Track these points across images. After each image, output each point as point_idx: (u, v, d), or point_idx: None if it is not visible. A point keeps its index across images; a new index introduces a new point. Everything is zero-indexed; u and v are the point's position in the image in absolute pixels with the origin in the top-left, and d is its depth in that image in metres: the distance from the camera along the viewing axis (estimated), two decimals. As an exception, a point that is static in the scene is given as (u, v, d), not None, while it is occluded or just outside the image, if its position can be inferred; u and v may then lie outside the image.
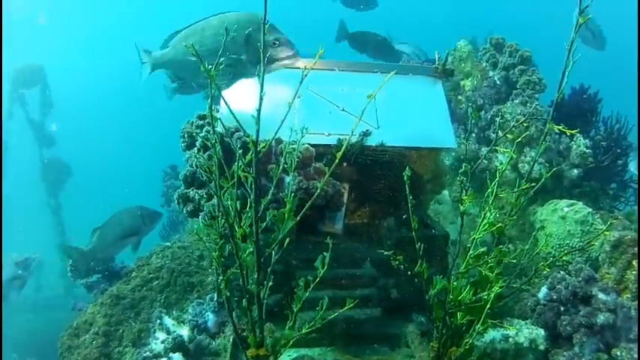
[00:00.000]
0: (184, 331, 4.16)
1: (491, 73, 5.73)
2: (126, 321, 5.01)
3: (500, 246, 2.06)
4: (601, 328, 2.53)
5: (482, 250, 2.12)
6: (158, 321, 4.24)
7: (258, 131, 1.98)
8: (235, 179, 2.08)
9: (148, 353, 4.04)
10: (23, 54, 14.96)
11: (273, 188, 2.24)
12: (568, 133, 1.93)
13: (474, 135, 5.24)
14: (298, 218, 2.15)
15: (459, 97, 6.04)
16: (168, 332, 4.15)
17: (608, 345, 2.56)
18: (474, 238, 2.11)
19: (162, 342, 4.07)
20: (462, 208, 2.10)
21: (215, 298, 4.36)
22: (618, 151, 4.82)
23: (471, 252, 2.12)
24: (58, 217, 14.91)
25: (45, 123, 14.98)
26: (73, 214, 15.60)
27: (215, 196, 2.88)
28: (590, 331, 2.59)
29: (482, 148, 5.09)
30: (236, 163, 2.10)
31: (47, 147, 15.00)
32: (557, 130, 1.98)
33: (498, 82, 5.43)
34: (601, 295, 2.61)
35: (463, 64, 6.32)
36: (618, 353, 2.48)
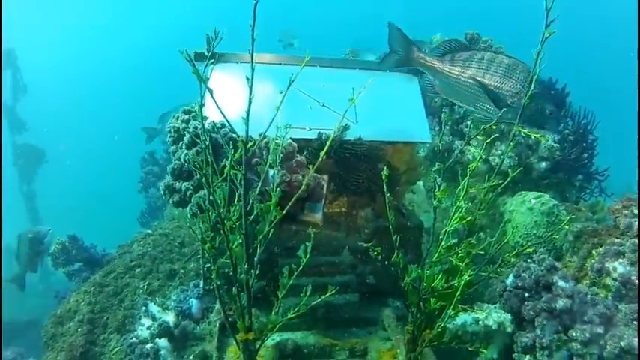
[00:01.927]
0: (170, 317, 4.27)
1: (466, 67, 5.91)
2: (110, 308, 5.10)
3: (470, 238, 2.24)
4: (560, 312, 2.76)
5: (453, 241, 2.30)
6: (144, 308, 4.34)
7: (247, 132, 2.11)
8: (227, 174, 2.21)
9: (134, 339, 4.14)
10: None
11: (259, 183, 2.39)
12: (533, 137, 2.11)
13: (447, 128, 5.43)
14: (284, 212, 2.29)
15: (435, 90, 6.21)
16: (153, 318, 4.25)
17: (565, 327, 2.80)
18: (446, 230, 2.29)
19: (148, 328, 4.18)
20: (435, 203, 2.27)
21: (199, 285, 4.47)
22: (584, 145, 5.06)
23: (443, 243, 2.30)
24: (32, 203, 14.75)
25: (17, 107, 14.72)
26: (49, 200, 15.44)
27: (203, 189, 3.01)
28: (551, 315, 2.82)
29: (456, 141, 5.29)
30: (225, 160, 2.23)
31: (19, 132, 14.76)
32: (523, 133, 2.16)
33: (473, 77, 5.61)
34: (561, 283, 2.84)
35: (439, 58, 6.47)
36: (574, 334, 2.72)
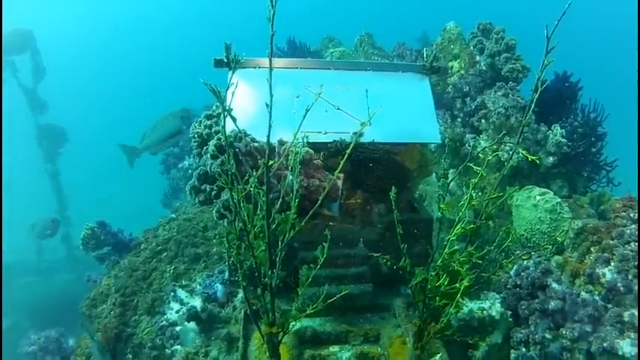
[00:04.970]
0: (197, 302, 4.58)
1: (478, 57, 6.02)
2: (139, 291, 5.44)
3: (470, 248, 2.48)
4: (552, 312, 3.00)
5: (456, 248, 2.53)
6: (172, 293, 4.64)
7: (268, 155, 2.34)
8: (250, 189, 2.45)
9: (164, 322, 4.47)
10: (11, 19, 14.70)
11: (280, 191, 2.63)
12: (530, 159, 2.31)
13: (459, 120, 5.58)
14: (302, 224, 2.54)
15: (448, 79, 6.33)
16: (182, 303, 4.57)
17: (557, 325, 3.04)
18: (449, 238, 2.53)
19: (177, 312, 4.50)
20: (439, 214, 2.50)
21: (224, 271, 4.76)
22: (593, 139, 5.17)
23: (446, 250, 2.54)
24: (56, 181, 15.18)
25: (37, 89, 15.01)
26: (72, 179, 15.91)
27: (225, 195, 3.26)
28: (543, 314, 3.06)
29: (467, 134, 5.44)
30: (249, 178, 2.48)
31: (40, 113, 15.10)
32: (522, 154, 2.36)
33: (484, 68, 5.73)
34: (554, 285, 3.07)
35: (452, 46, 6.57)
36: (564, 332, 2.96)
